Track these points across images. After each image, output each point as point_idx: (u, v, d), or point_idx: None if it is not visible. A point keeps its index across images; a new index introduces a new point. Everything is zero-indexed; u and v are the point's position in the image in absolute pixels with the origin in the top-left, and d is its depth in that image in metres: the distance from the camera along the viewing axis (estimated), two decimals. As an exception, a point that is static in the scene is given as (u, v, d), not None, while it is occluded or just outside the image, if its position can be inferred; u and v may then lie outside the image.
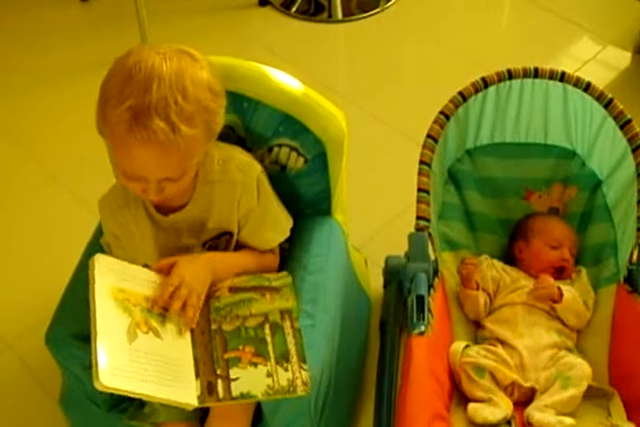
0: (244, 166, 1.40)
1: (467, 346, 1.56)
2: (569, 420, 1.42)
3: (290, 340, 1.32)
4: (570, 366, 1.51)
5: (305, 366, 1.29)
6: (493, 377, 1.51)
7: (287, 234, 1.49)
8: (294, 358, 1.29)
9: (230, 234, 1.44)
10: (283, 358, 1.29)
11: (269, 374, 1.28)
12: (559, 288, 1.63)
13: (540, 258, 1.71)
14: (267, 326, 1.33)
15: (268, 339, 1.32)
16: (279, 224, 1.47)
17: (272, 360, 1.29)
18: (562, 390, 1.48)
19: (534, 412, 1.45)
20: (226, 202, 1.40)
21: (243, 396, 1.27)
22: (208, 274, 1.36)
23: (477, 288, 1.67)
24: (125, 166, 1.25)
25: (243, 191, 1.39)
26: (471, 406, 1.48)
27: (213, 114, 1.25)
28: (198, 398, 1.26)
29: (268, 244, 1.48)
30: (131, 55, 1.22)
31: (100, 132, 1.26)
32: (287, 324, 1.34)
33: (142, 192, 1.29)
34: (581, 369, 1.50)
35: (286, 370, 1.28)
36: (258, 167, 1.41)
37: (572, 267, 1.72)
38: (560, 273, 1.70)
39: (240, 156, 1.42)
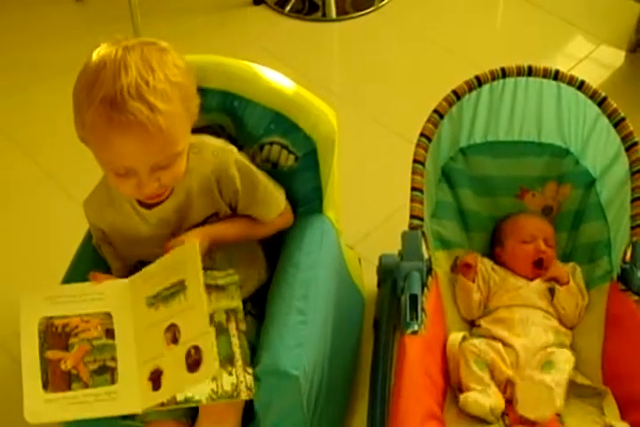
0: (219, 152, 1.39)
1: (464, 337, 1.57)
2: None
3: (235, 342, 1.29)
4: (550, 353, 1.53)
5: (249, 370, 1.28)
6: (491, 372, 1.52)
7: (284, 203, 1.49)
8: (239, 362, 1.28)
9: (216, 214, 1.44)
10: (227, 361, 1.27)
11: (213, 378, 1.26)
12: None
13: (516, 256, 1.72)
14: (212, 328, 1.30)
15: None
16: (273, 200, 1.47)
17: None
18: (544, 373, 1.49)
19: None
20: (206, 189, 1.39)
21: (187, 400, 1.26)
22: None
23: (474, 281, 1.68)
24: (114, 162, 1.24)
25: (221, 177, 1.39)
26: (465, 394, 1.48)
27: (186, 89, 1.25)
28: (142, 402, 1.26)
29: (265, 218, 1.47)
30: (94, 55, 1.23)
31: (83, 140, 1.25)
32: (232, 325, 1.31)
33: (137, 188, 1.27)
34: (562, 353, 1.53)
35: (230, 374, 1.27)
36: (233, 151, 1.41)
37: (552, 257, 1.72)
38: (540, 267, 1.70)
39: (213, 142, 1.41)
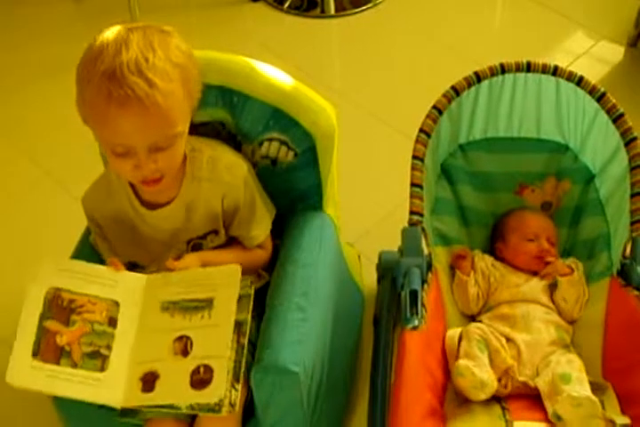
0: (232, 166, 1.40)
1: (462, 333, 1.57)
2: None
3: (231, 355, 1.28)
4: (557, 363, 1.51)
5: (237, 386, 1.27)
6: (491, 360, 1.51)
7: (270, 227, 1.49)
8: (229, 377, 1.26)
9: (216, 232, 1.45)
10: None
11: None
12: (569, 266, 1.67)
13: (519, 253, 1.72)
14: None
15: None
16: (265, 220, 1.48)
17: None
18: (564, 385, 1.46)
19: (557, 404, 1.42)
20: (211, 200, 1.40)
21: (166, 405, 1.26)
22: None
23: (469, 275, 1.68)
24: (112, 139, 1.24)
25: (228, 191, 1.40)
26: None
27: (187, 71, 1.26)
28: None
29: (254, 241, 1.48)
30: (98, 36, 1.24)
31: (84, 119, 1.25)
32: (233, 337, 1.29)
33: (135, 169, 1.27)
34: (572, 362, 1.51)
35: None
36: (244, 166, 1.42)
37: (555, 255, 1.72)
38: (546, 264, 1.70)
39: (228, 155, 1.42)
